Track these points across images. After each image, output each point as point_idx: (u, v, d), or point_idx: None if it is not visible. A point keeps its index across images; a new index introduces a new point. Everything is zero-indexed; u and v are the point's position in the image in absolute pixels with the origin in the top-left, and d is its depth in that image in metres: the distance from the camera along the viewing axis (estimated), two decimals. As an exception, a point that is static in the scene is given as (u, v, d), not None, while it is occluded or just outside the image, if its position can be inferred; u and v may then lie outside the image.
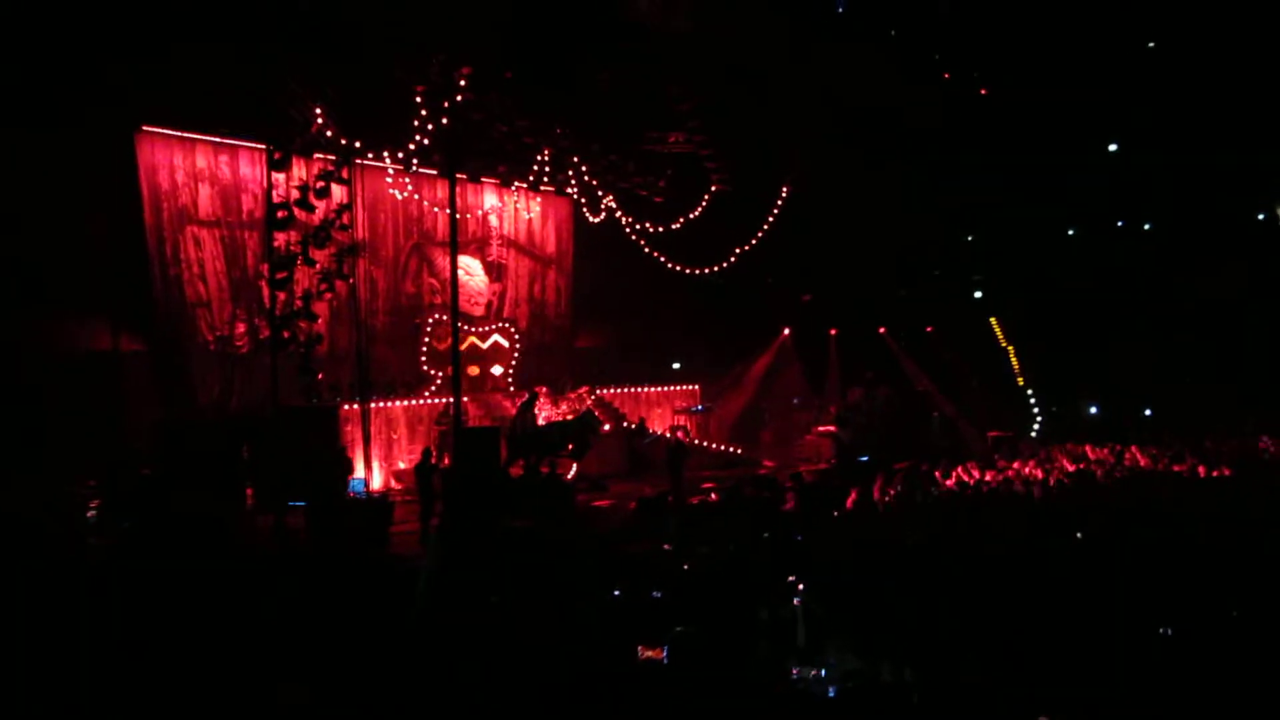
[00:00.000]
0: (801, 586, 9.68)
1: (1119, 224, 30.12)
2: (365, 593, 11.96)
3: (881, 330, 31.89)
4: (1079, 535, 13.31)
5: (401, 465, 21.91)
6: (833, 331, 31.83)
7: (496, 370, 26.44)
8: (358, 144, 19.79)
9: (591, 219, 27.32)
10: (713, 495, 20.31)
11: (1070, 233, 30.88)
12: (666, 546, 13.29)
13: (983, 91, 27.35)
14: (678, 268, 28.17)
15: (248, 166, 22.04)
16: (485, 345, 26.56)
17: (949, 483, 20.00)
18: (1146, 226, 29.67)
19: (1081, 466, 20.64)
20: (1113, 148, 28.01)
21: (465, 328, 25.49)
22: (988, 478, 20.45)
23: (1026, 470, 20.42)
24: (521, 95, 21.91)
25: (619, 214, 26.99)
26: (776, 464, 25.84)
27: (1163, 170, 27.11)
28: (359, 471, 19.38)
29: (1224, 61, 24.74)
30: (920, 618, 9.21)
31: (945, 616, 9.29)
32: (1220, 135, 25.56)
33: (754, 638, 9.42)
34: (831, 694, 8.22)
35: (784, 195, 29.02)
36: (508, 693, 8.11)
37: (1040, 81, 25.90)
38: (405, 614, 11.18)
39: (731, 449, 26.68)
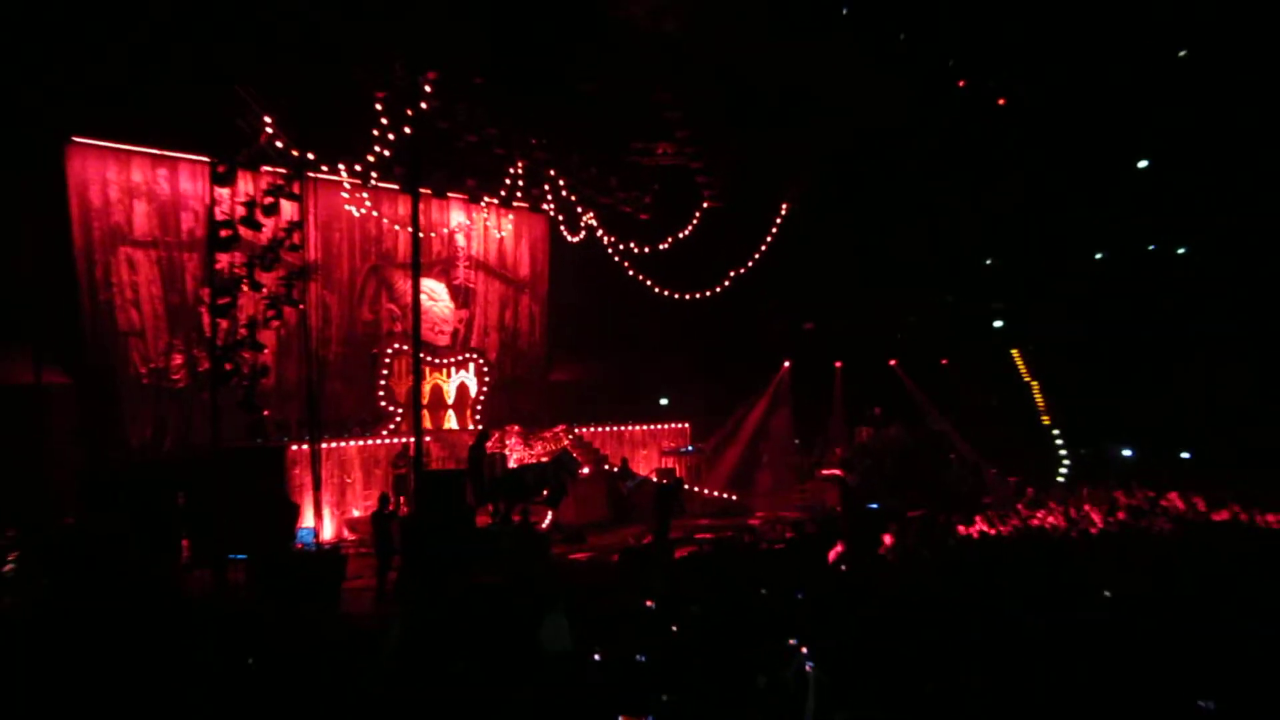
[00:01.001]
0: (805, 650, 9.66)
1: (1151, 247, 30.40)
2: (314, 659, 11.87)
3: (892, 362, 32.00)
4: (1107, 594, 13.34)
5: (356, 513, 21.82)
6: (838, 364, 31.94)
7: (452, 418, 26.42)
8: (310, 156, 19.85)
9: (570, 238, 27.42)
10: (704, 547, 20.30)
11: (1099, 256, 31.13)
12: (649, 603, 13.25)
13: (1000, 101, 27.68)
14: (666, 293, 28.27)
15: (188, 181, 22.06)
16: (451, 382, 26.56)
17: (969, 532, 20.05)
18: (1181, 251, 29.93)
19: (1119, 517, 20.68)
20: (1143, 164, 28.32)
21: (428, 359, 25.50)
22: (1011, 528, 20.51)
23: (1052, 520, 20.47)
24: (493, 102, 22.04)
25: (600, 233, 27.11)
26: (775, 512, 25.81)
27: (1199, 189, 27.39)
28: (308, 520, 19.27)
29: (1261, 66, 25.07)
30: (942, 690, 9.20)
31: (970, 689, 9.28)
32: (1262, 144, 25.86)
33: (750, 708, 9.39)
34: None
35: (783, 213, 29.21)
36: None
37: (1063, 90, 26.25)
38: (359, 684, 11.09)
39: (726, 495, 26.67)
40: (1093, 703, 9.25)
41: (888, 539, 18.57)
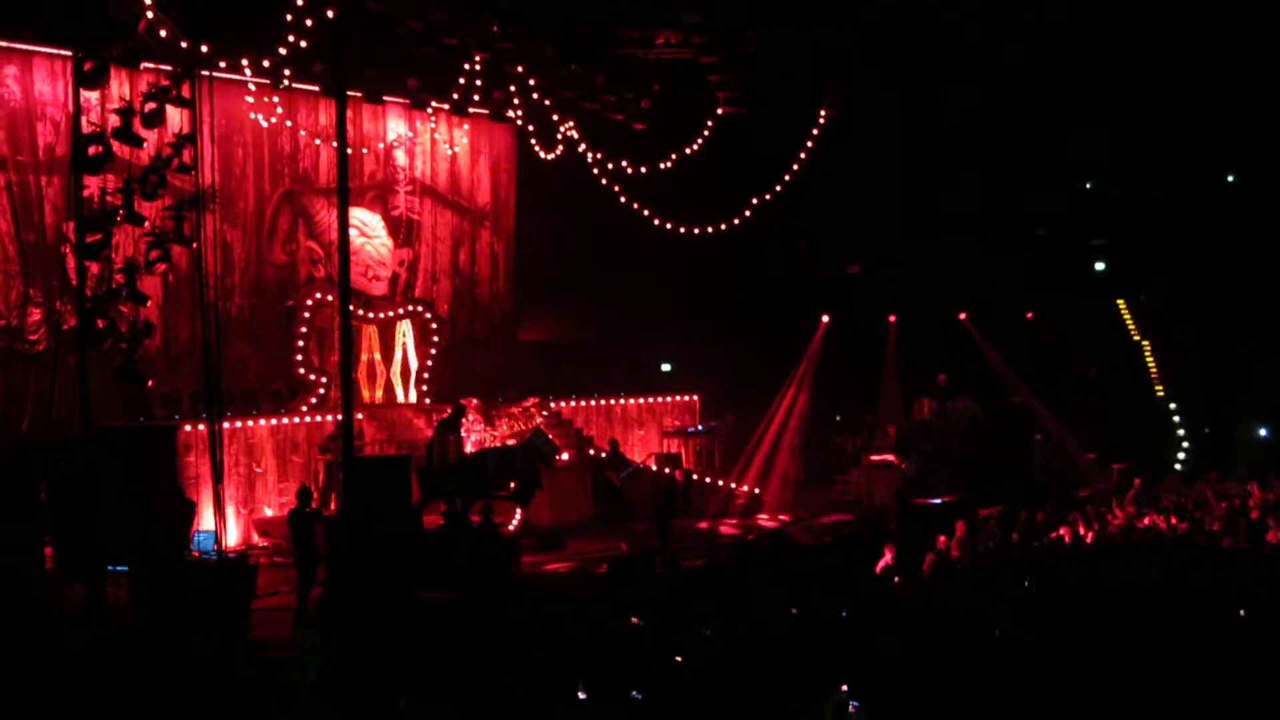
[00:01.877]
0: (846, 687, 9.84)
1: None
2: (215, 698, 12.05)
3: (961, 316, 32.07)
4: (1242, 613, 13.54)
5: (268, 512, 21.96)
6: (891, 318, 31.99)
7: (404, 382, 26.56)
8: (204, 48, 19.79)
9: (543, 155, 27.39)
10: (718, 554, 20.51)
11: (1231, 179, 31.21)
12: (635, 620, 13.44)
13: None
14: (668, 226, 28.30)
15: (44, 82, 22.00)
16: (390, 343, 26.64)
17: (1059, 535, 20.27)
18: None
19: (1253, 517, 20.87)
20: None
21: (360, 312, 25.56)
22: (1114, 529, 20.72)
23: (1168, 521, 20.69)
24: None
25: (583, 148, 27.08)
26: (809, 510, 26.00)
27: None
28: (206, 521, 19.41)
29: None
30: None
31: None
32: None
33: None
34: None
35: (821, 122, 29.17)
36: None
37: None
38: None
39: (746, 488, 26.85)
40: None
41: (952, 543, 18.76)
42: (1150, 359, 32.07)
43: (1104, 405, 30.55)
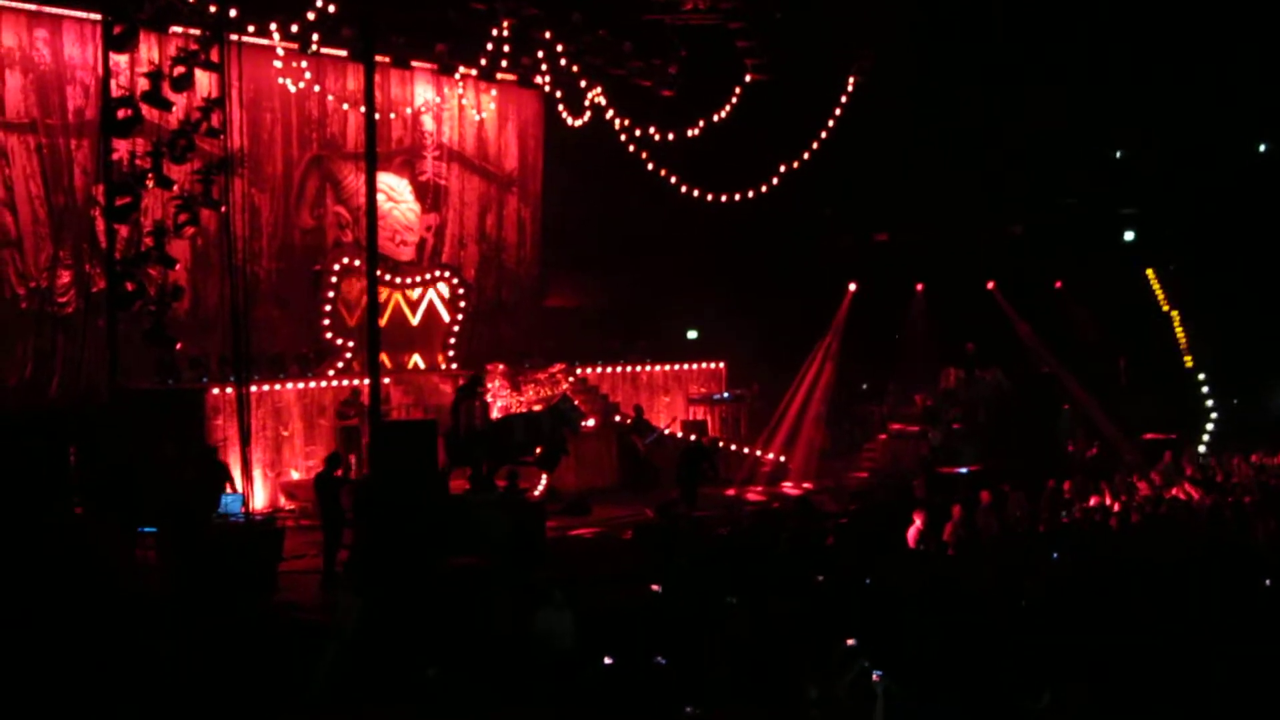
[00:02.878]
0: (868, 656, 9.84)
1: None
2: (244, 659, 12.12)
3: (990, 285, 31.95)
4: (1268, 583, 13.51)
5: (295, 475, 22.05)
6: (919, 287, 31.91)
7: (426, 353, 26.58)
8: (233, 13, 19.79)
9: (571, 121, 27.33)
10: (742, 522, 20.51)
11: (1263, 149, 30.95)
12: (655, 587, 13.45)
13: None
14: (695, 193, 28.23)
15: (74, 46, 22.03)
16: (417, 308, 26.67)
17: (1087, 506, 20.19)
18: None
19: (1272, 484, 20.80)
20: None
21: (387, 277, 25.59)
22: (1141, 501, 20.63)
23: (1198, 495, 20.58)
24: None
25: (610, 114, 27.00)
26: (834, 479, 25.99)
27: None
28: (235, 484, 19.51)
29: None
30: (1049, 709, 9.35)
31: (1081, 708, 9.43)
32: None
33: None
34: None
35: (849, 89, 29.03)
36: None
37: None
38: (301, 693, 11.34)
39: (772, 456, 26.85)
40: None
41: (977, 513, 18.72)
42: (1179, 328, 31.89)
43: (1133, 375, 30.44)
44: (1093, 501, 20.35)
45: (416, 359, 26.63)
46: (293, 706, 11.13)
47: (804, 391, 28.67)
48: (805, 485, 25.57)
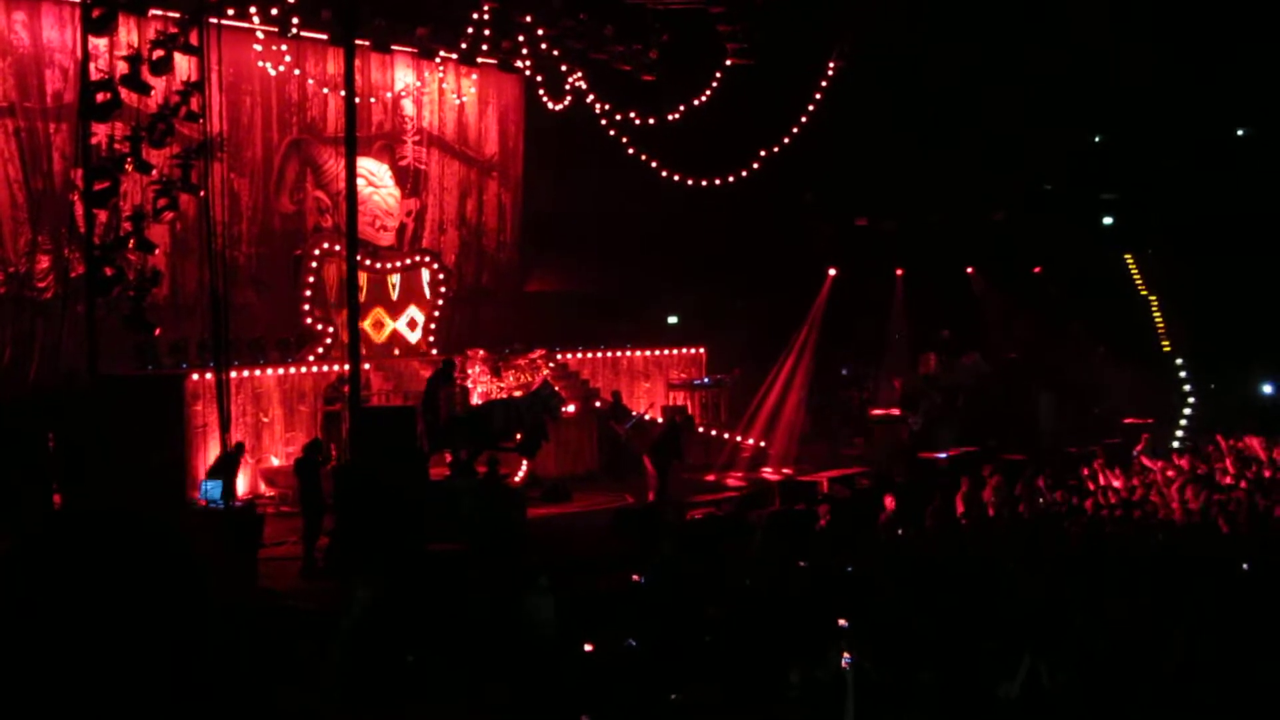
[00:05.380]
0: (845, 639, 9.88)
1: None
2: (222, 649, 12.07)
3: (969, 271, 32.06)
4: (1245, 567, 13.60)
5: (275, 461, 22.04)
6: (899, 272, 31.99)
7: (411, 330, 26.53)
8: (212, -5, 19.73)
9: (551, 105, 27.32)
10: (723, 506, 20.59)
11: (1240, 133, 31.05)
12: (636, 578, 13.49)
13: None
14: (676, 178, 28.23)
15: (53, 29, 21.93)
16: (395, 290, 26.63)
17: (1063, 494, 20.31)
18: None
19: (1250, 475, 20.89)
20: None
21: (368, 262, 25.54)
22: (1119, 485, 20.75)
23: (1176, 479, 20.70)
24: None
25: (591, 99, 26.98)
26: (816, 463, 26.06)
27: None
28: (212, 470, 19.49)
29: None
30: (1023, 688, 9.41)
31: (1061, 693, 9.49)
32: None
33: (780, 709, 9.63)
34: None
35: (830, 73, 29.05)
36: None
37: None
38: (309, 685, 11.27)
39: (752, 441, 26.90)
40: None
41: (957, 497, 18.84)
42: (1157, 313, 32.04)
43: (1111, 360, 30.57)
44: (1072, 484, 20.49)
45: (398, 344, 26.59)
46: (302, 700, 11.08)
47: (784, 377, 28.72)
48: (785, 470, 25.61)
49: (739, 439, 26.89)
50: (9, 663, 4.08)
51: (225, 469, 17.84)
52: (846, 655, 9.29)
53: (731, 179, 28.68)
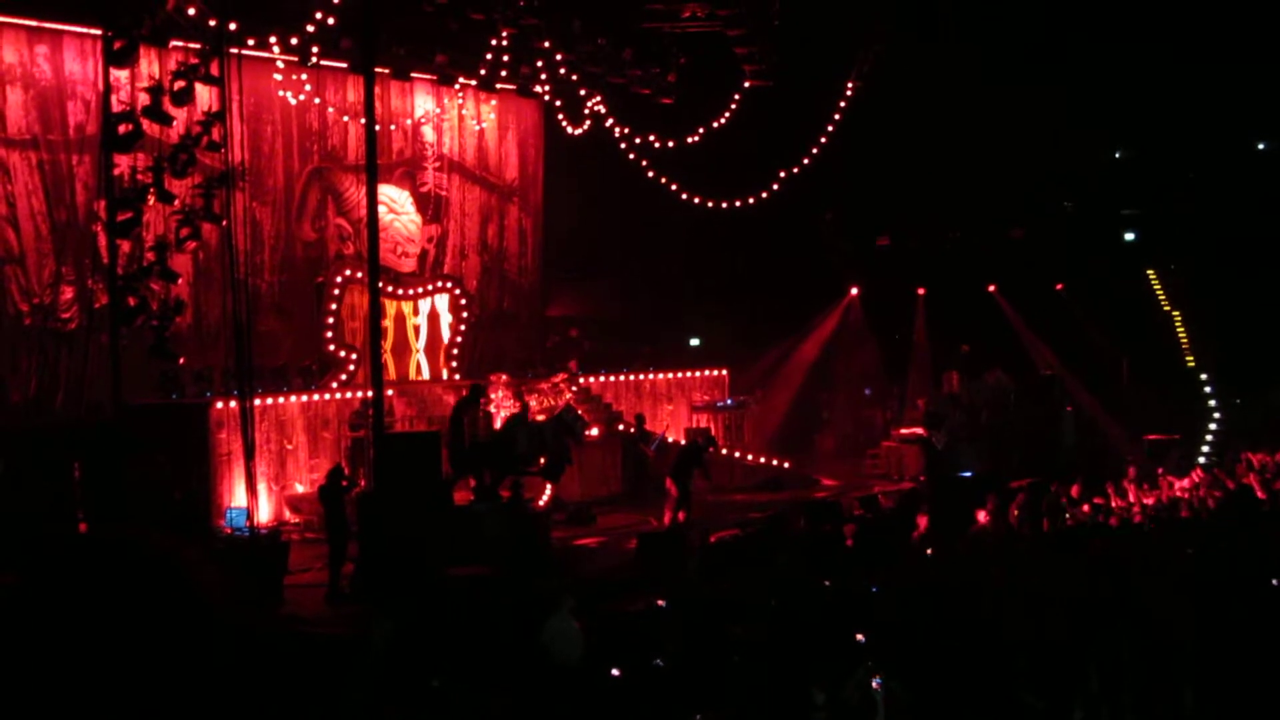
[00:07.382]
0: (872, 659, 9.83)
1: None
2: (249, 676, 12.08)
3: (991, 288, 31.97)
4: (1276, 583, 13.47)
5: (300, 488, 22.03)
6: (921, 291, 31.92)
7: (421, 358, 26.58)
8: (233, 26, 19.78)
9: (571, 130, 27.35)
10: (748, 527, 20.49)
11: (1261, 146, 30.93)
12: (661, 603, 13.42)
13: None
14: (696, 200, 28.23)
15: (75, 61, 22.02)
16: (417, 317, 26.70)
17: (1090, 508, 20.19)
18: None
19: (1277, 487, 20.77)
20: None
21: (390, 289, 25.59)
22: (1147, 502, 20.62)
23: (1202, 491, 20.58)
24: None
25: (610, 123, 27.02)
26: (840, 483, 25.96)
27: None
28: (238, 498, 19.47)
29: None
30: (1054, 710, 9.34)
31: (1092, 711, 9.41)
32: None
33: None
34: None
35: (849, 95, 29.05)
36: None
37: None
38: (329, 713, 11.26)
39: (775, 462, 26.83)
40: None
41: (983, 515, 18.71)
42: (1181, 329, 31.91)
43: (1135, 376, 30.45)
44: (1097, 502, 20.35)
45: (420, 370, 26.63)
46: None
47: (808, 397, 28.72)
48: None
49: (763, 459, 26.81)
50: (12, 682, 4.09)
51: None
52: (877, 677, 9.25)
53: (751, 200, 28.69)
